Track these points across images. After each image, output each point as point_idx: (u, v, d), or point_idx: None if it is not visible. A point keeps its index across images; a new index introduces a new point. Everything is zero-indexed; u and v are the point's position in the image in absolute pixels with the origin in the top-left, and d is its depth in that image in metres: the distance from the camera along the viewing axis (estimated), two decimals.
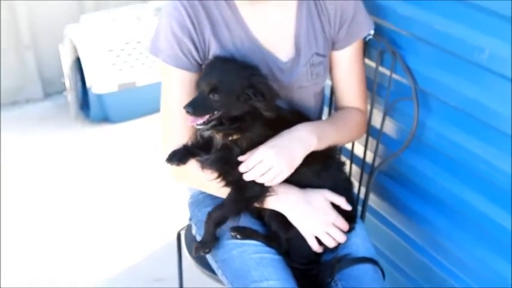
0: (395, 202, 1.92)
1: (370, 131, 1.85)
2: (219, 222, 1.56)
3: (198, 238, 1.75)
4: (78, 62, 3.73)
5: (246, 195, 1.54)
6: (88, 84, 3.63)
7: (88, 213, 3.00)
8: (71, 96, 3.78)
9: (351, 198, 1.67)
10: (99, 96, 3.66)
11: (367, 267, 1.59)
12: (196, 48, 1.59)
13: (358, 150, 1.96)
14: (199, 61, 1.60)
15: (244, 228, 1.61)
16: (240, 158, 1.50)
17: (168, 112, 1.64)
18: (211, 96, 1.46)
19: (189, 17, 1.57)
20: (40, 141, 3.62)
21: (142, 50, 3.68)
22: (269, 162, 1.47)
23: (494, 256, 1.60)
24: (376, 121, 1.89)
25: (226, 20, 1.59)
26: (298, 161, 1.52)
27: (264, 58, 1.61)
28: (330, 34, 1.65)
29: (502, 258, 1.57)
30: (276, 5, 1.60)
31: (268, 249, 1.59)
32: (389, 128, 1.87)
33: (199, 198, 1.81)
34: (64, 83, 3.86)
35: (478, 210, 1.62)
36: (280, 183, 1.53)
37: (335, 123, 1.69)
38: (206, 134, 1.55)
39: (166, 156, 1.60)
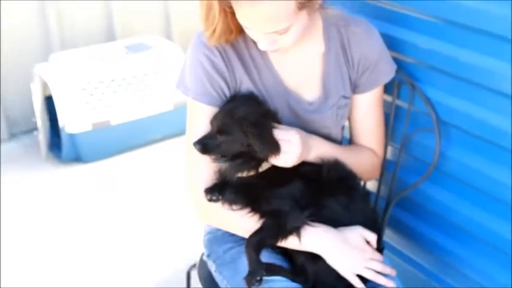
0: (413, 236, 1.92)
1: (385, 165, 1.85)
2: (259, 247, 1.52)
3: (219, 276, 1.71)
4: (46, 101, 3.65)
5: (284, 223, 1.51)
6: (61, 124, 3.53)
7: (63, 259, 2.88)
8: (41, 136, 3.67)
9: (378, 229, 1.66)
10: (72, 136, 3.56)
11: None
12: (228, 87, 1.59)
13: (371, 185, 1.96)
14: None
15: (269, 264, 1.57)
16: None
17: (194, 150, 1.60)
18: (218, 136, 1.49)
19: (220, 54, 1.57)
20: (10, 184, 3.48)
21: (116, 89, 3.62)
22: (291, 147, 1.49)
23: None
24: (390, 155, 1.90)
25: (255, 60, 1.61)
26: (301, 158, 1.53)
27: (288, 100, 1.62)
28: (353, 77, 1.68)
29: None
30: (304, 50, 1.63)
31: (294, 284, 1.56)
32: (405, 160, 1.87)
33: (218, 235, 1.77)
34: (33, 122, 3.74)
35: (505, 238, 1.63)
36: (314, 224, 1.52)
37: (341, 147, 1.72)
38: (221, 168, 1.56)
39: (197, 193, 1.58)
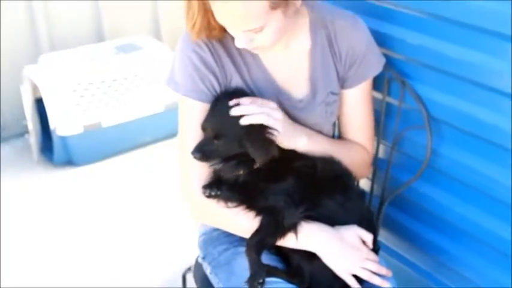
0: (407, 235, 1.90)
1: (378, 164, 1.83)
2: (260, 248, 1.50)
3: (214, 278, 1.69)
4: (37, 104, 3.62)
5: (281, 219, 1.49)
6: (52, 126, 3.49)
7: (56, 262, 2.85)
8: (33, 139, 3.63)
9: (373, 228, 1.64)
10: (64, 138, 3.52)
11: None
12: (219, 82, 1.57)
13: (364, 184, 1.93)
14: None
15: (264, 265, 1.55)
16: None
17: (188, 148, 1.56)
18: (215, 141, 1.48)
19: (209, 50, 1.56)
20: (2, 188, 3.43)
21: (106, 90, 3.59)
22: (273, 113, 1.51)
23: None
24: (383, 153, 1.87)
25: (244, 57, 1.59)
26: (290, 136, 1.54)
27: (278, 97, 1.61)
28: (340, 72, 1.65)
29: None
30: (291, 47, 1.61)
31: (290, 285, 1.54)
32: (397, 158, 1.85)
33: (213, 236, 1.74)
34: (25, 126, 3.71)
35: (499, 236, 1.61)
36: (311, 222, 1.51)
37: (333, 140, 1.72)
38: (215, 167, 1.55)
39: (193, 192, 1.57)
